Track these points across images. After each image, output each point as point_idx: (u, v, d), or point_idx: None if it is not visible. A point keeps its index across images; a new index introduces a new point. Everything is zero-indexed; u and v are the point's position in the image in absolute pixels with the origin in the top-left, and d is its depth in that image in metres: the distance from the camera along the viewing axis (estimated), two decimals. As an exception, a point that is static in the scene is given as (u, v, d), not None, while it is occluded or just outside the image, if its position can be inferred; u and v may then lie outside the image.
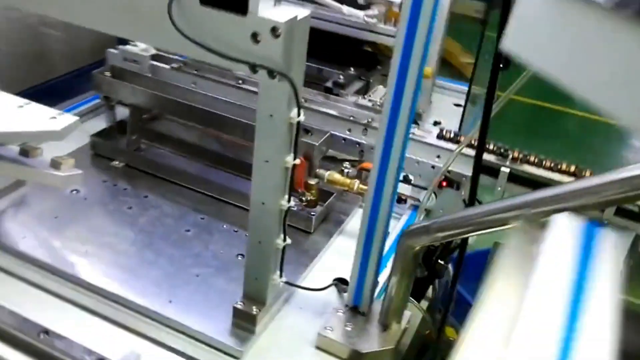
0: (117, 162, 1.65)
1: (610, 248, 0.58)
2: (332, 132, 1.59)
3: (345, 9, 1.61)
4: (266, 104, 0.93)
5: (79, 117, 0.94)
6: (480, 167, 1.19)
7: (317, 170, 1.47)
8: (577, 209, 0.66)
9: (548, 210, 0.67)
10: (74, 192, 1.51)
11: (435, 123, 2.12)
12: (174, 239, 1.38)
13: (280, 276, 1.14)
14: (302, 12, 0.87)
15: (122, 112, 1.73)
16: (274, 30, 0.83)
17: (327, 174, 1.46)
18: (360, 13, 1.62)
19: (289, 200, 1.04)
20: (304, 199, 1.48)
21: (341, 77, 1.85)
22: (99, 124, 1.79)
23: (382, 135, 1.02)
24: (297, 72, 0.90)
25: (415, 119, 1.96)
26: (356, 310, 1.20)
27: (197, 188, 1.57)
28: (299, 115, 0.95)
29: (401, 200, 1.65)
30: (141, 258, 1.30)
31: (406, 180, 1.63)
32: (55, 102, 1.93)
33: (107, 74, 1.67)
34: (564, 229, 0.61)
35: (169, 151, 1.72)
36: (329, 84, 1.83)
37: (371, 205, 1.08)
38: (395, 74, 0.95)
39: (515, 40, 0.59)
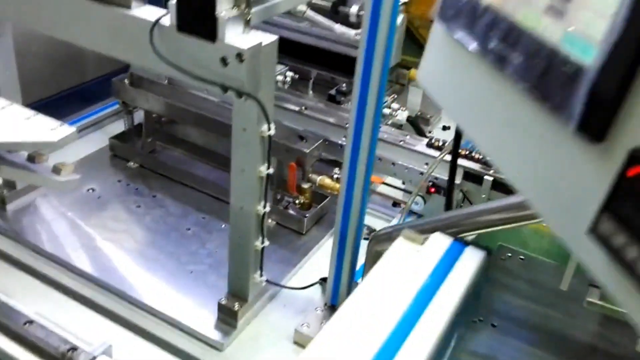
0: (132, 163, 1.79)
1: (467, 263, 0.65)
2: (330, 139, 1.67)
3: (337, 27, 1.63)
4: (239, 119, 1.02)
5: (75, 129, 1.05)
6: (454, 176, 1.24)
7: (310, 175, 1.55)
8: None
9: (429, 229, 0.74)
10: (90, 190, 1.65)
11: (445, 128, 2.16)
12: (175, 236, 1.49)
13: (261, 275, 1.23)
14: (268, 38, 0.95)
15: (140, 116, 1.86)
16: (239, 56, 0.91)
17: (318, 178, 1.54)
18: (351, 32, 1.63)
19: (265, 206, 1.13)
20: (297, 201, 1.57)
21: (344, 85, 1.92)
22: (121, 126, 1.94)
23: (350, 136, 1.09)
24: (266, 91, 0.98)
25: (422, 125, 2.02)
26: (334, 309, 1.28)
27: (202, 189, 1.68)
28: (269, 129, 1.03)
29: (396, 204, 1.72)
30: (142, 254, 1.42)
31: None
32: (89, 103, 2.10)
33: (126, 81, 1.80)
34: (435, 246, 0.68)
35: (181, 153, 1.84)
36: (332, 92, 1.90)
37: (343, 207, 1.16)
38: (360, 77, 1.02)
39: (424, 74, 0.66)
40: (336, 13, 1.67)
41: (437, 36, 0.63)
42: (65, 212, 1.54)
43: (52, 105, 2.12)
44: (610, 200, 0.38)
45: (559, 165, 0.44)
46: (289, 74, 1.98)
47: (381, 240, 1.10)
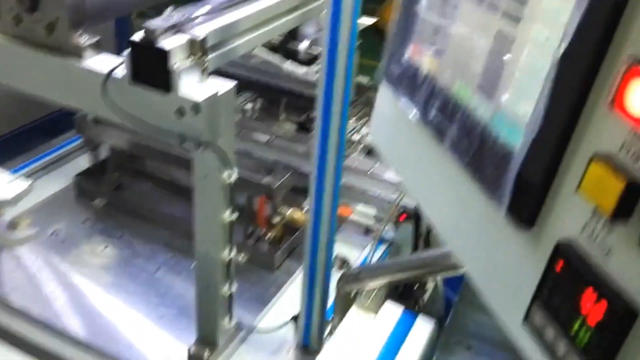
0: (98, 201, 1.75)
1: (417, 333, 0.65)
2: (301, 169, 1.67)
3: (286, 65, 1.59)
4: (200, 167, 1.01)
5: (31, 182, 1.03)
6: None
7: (280, 208, 1.54)
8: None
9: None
10: (55, 234, 1.61)
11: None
12: (143, 279, 1.47)
13: (230, 320, 1.21)
14: (225, 85, 0.95)
15: (106, 149, 1.82)
16: (195, 107, 0.91)
17: (288, 212, 1.53)
18: (300, 69, 1.60)
19: (231, 251, 1.12)
20: (268, 236, 1.55)
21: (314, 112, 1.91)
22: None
23: (314, 172, 1.08)
24: (226, 139, 0.98)
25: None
26: (306, 349, 1.27)
27: (170, 225, 1.65)
28: (231, 176, 1.02)
29: (369, 231, 1.72)
30: (109, 299, 1.39)
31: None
32: (54, 136, 2.06)
33: (89, 117, 1.77)
34: (387, 315, 0.68)
35: (150, 187, 1.81)
36: (302, 119, 1.90)
37: (311, 244, 1.15)
38: (321, 116, 1.02)
39: (374, 131, 0.66)
40: (285, 50, 1.64)
41: (384, 96, 0.63)
42: (30, 259, 1.50)
43: (17, 139, 2.08)
44: (540, 292, 0.38)
45: (495, 246, 0.44)
46: (259, 100, 1.97)
47: (349, 281, 1.10)
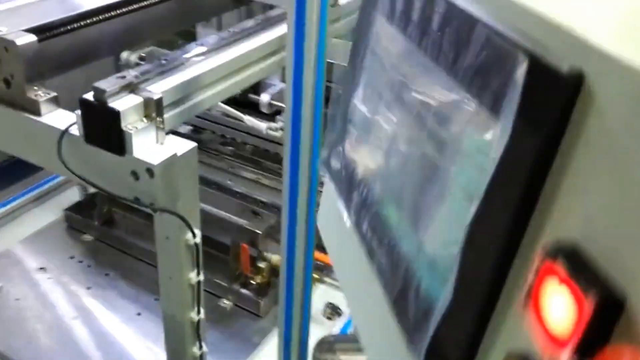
0: (87, 236, 1.72)
1: None
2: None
3: (247, 119, 1.46)
4: (160, 228, 0.95)
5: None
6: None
7: (265, 253, 1.48)
8: None
9: None
10: (41, 270, 1.58)
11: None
12: (125, 323, 1.42)
13: (202, 381, 1.14)
14: (185, 146, 0.88)
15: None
16: (149, 171, 0.85)
17: (273, 257, 1.47)
18: (263, 125, 1.48)
19: (199, 312, 1.05)
20: (253, 282, 1.49)
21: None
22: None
23: (286, 204, 1.01)
24: (186, 202, 0.91)
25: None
26: (284, 410, 1.19)
27: (156, 264, 1.60)
28: (194, 237, 0.96)
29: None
30: (88, 345, 1.34)
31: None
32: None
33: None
34: None
35: (140, 223, 1.76)
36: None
37: (285, 292, 1.08)
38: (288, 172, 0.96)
39: (321, 218, 0.59)
40: (246, 102, 1.54)
41: (329, 185, 0.56)
42: (13, 297, 1.47)
43: (6, 171, 2.06)
44: None
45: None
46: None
47: (324, 350, 1.02)
